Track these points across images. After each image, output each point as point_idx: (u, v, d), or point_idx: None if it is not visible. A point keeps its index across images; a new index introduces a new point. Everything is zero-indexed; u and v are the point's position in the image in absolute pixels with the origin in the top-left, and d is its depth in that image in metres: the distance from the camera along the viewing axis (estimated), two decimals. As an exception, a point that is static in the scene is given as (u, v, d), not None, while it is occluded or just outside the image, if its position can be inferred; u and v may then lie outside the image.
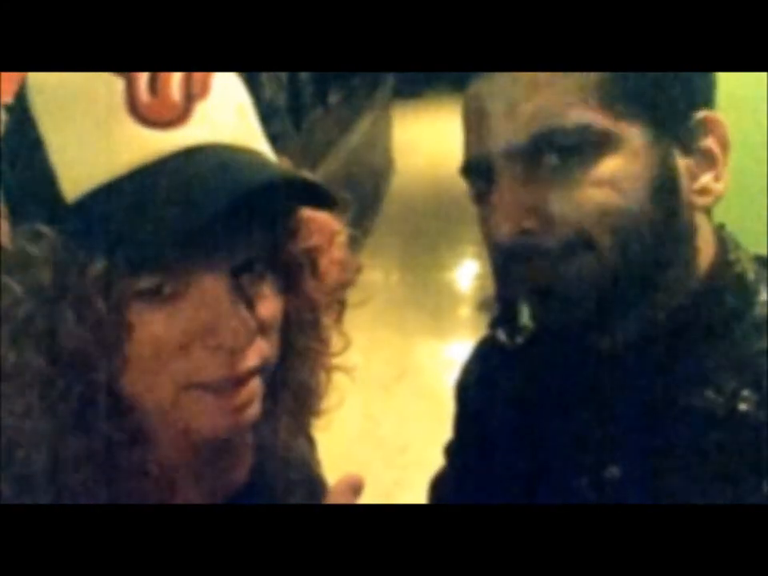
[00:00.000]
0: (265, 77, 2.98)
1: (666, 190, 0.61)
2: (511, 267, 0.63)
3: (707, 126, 0.63)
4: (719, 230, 0.67)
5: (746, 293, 0.64)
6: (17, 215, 0.54)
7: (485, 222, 0.64)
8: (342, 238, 0.64)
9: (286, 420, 0.66)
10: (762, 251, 0.68)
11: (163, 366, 0.54)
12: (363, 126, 5.87)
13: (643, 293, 0.62)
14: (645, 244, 0.60)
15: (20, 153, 0.54)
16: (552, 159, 0.59)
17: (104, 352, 0.52)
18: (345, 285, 0.65)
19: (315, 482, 0.76)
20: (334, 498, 0.56)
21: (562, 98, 0.59)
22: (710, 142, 0.63)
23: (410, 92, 10.67)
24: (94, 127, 0.52)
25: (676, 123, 0.61)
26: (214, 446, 0.64)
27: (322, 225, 0.62)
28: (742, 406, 0.60)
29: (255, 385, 0.57)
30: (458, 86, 0.67)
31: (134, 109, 0.52)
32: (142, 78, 0.52)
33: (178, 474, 0.63)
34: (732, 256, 0.65)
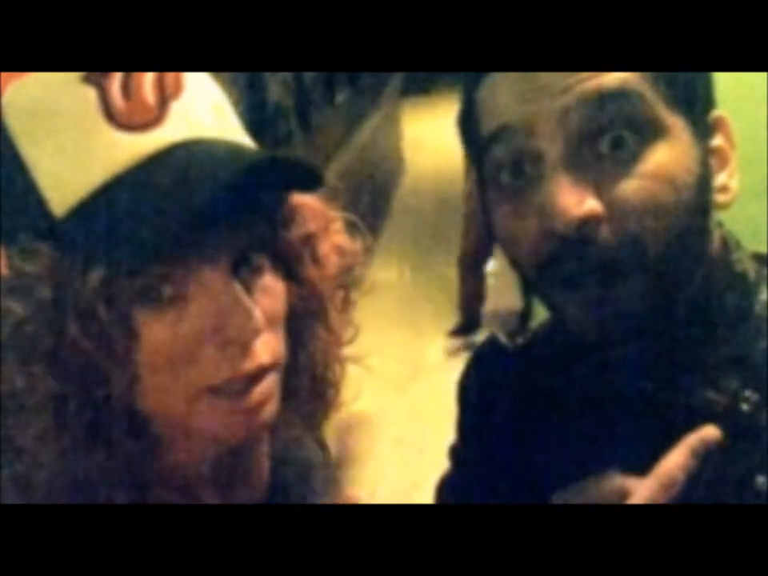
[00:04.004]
0: (271, 78, 2.98)
1: (706, 186, 0.60)
2: (563, 259, 0.57)
3: (719, 125, 0.62)
4: (719, 228, 0.66)
5: (748, 292, 0.63)
6: (8, 237, 0.53)
7: (534, 213, 0.59)
8: (338, 223, 0.64)
9: (301, 417, 0.65)
10: (759, 249, 0.67)
11: (175, 371, 0.53)
12: (371, 124, 5.87)
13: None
14: (691, 247, 0.59)
15: (2, 175, 0.54)
16: (604, 147, 0.56)
17: (114, 364, 0.51)
18: (346, 269, 0.65)
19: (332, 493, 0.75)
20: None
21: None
22: (722, 141, 0.62)
23: (418, 89, 10.65)
24: (72, 139, 0.52)
25: (703, 120, 0.61)
26: (231, 457, 0.63)
27: (315, 211, 0.62)
28: (744, 407, 0.59)
29: (269, 383, 0.56)
30: (466, 82, 0.65)
31: (110, 115, 0.52)
32: (114, 84, 0.52)
33: (198, 485, 0.62)
34: (734, 255, 0.64)
